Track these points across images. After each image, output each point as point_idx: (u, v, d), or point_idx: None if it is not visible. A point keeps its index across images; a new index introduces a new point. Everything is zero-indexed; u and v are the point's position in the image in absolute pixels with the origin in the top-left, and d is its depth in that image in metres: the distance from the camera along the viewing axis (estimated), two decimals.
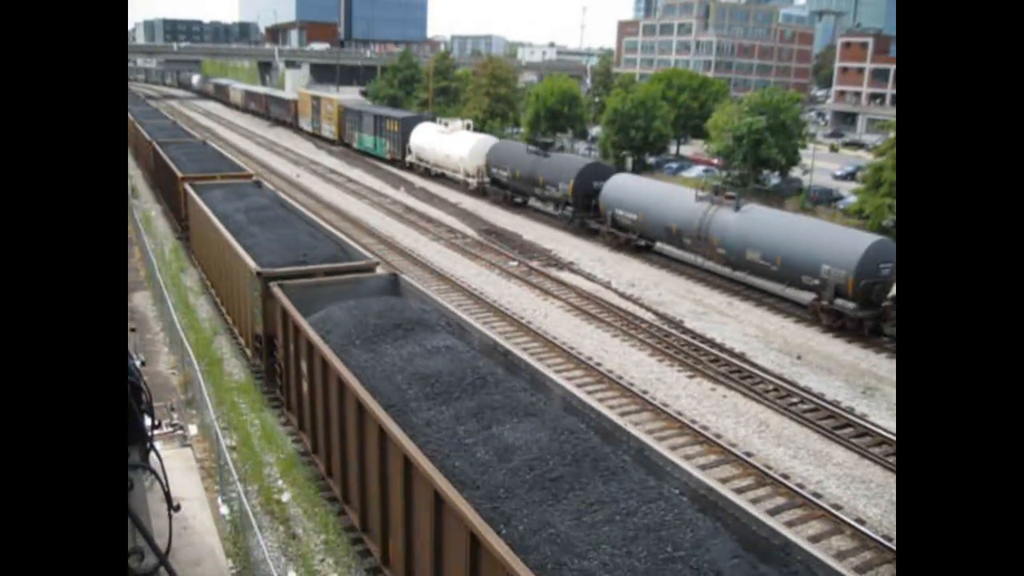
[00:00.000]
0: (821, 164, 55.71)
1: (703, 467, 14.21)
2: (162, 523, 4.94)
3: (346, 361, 11.04)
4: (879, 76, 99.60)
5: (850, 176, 54.66)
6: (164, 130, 41.88)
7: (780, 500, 13.97)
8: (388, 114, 56.43)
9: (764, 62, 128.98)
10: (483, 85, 69.05)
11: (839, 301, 22.67)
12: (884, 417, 17.30)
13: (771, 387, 18.75)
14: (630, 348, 21.02)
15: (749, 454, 15.40)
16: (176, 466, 6.07)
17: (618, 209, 31.62)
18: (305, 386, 12.87)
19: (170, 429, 8.77)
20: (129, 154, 45.06)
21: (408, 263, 28.31)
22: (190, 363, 16.21)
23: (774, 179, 48.45)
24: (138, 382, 4.86)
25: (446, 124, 49.13)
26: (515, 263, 29.22)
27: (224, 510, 12.32)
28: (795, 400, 18.10)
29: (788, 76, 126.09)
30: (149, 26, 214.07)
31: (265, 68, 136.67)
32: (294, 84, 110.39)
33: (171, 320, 18.96)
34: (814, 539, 12.52)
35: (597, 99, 76.91)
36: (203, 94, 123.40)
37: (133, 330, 19.21)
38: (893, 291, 22.84)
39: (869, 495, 14.29)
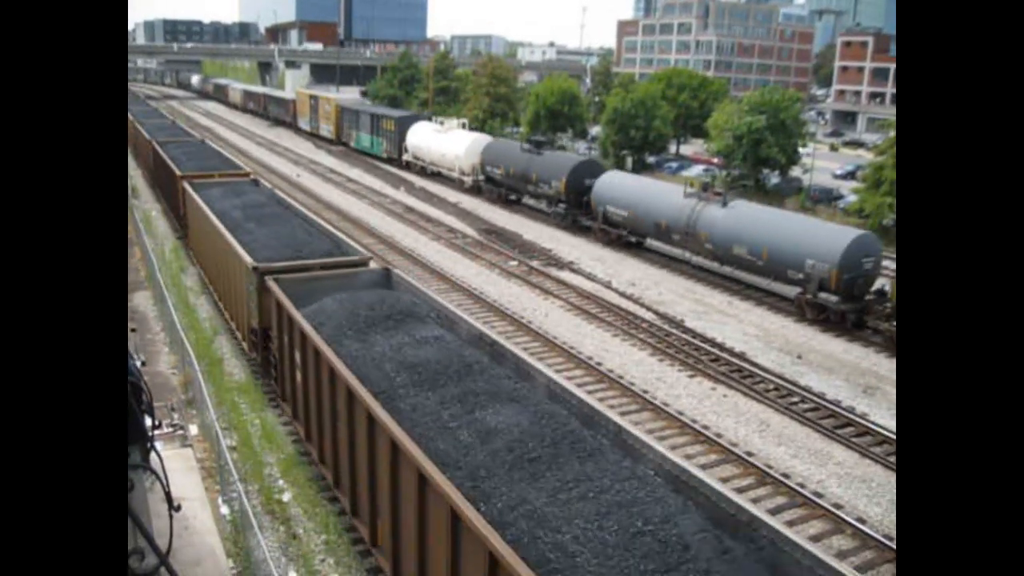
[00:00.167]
0: (821, 163, 55.69)
1: (703, 467, 14.21)
2: (163, 523, 4.93)
3: (337, 351, 11.30)
4: (879, 75, 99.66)
5: (850, 175, 54.61)
6: (164, 130, 41.92)
7: (781, 500, 13.97)
8: (385, 113, 56.60)
9: (764, 61, 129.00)
10: (483, 85, 69.08)
11: (823, 295, 22.75)
12: (884, 416, 17.31)
13: (772, 386, 18.75)
14: (631, 348, 21.02)
15: (750, 454, 15.41)
16: (177, 466, 6.06)
17: (609, 206, 31.82)
18: (299, 376, 13.15)
19: (171, 429, 8.76)
20: (129, 154, 45.07)
21: (409, 263, 28.32)
22: (190, 363, 16.24)
23: (774, 178, 48.42)
24: (138, 382, 4.85)
25: (442, 123, 49.25)
26: (515, 263, 29.23)
27: (225, 510, 12.33)
28: (796, 399, 18.11)
29: (788, 75, 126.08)
30: (149, 26, 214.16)
31: (265, 68, 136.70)
32: (294, 84, 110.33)
33: (171, 320, 18.99)
34: (815, 539, 12.51)
35: (597, 99, 76.91)
36: (203, 94, 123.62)
37: (133, 330, 19.22)
38: (876, 284, 22.97)
39: (870, 494, 14.29)
